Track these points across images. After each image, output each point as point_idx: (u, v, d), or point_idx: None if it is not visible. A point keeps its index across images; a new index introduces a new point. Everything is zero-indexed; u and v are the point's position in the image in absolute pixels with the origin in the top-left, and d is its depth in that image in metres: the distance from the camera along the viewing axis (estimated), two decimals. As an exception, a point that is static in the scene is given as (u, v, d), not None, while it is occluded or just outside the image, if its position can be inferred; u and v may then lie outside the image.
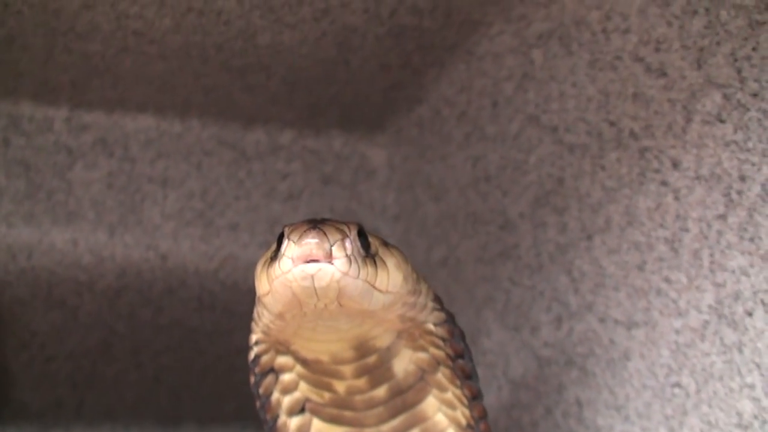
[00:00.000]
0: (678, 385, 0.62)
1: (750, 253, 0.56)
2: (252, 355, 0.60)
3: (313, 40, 0.83)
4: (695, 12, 0.60)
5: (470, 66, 0.87)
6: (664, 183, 0.63)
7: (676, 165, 0.62)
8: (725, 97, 0.58)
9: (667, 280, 0.63)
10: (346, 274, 0.50)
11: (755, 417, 0.55)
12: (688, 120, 0.61)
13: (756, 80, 0.56)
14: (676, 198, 0.62)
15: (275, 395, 0.61)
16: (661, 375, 0.63)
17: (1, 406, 1.12)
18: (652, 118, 0.64)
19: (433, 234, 0.96)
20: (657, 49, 0.63)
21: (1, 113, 0.94)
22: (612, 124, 0.68)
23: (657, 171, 0.64)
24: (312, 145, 1.05)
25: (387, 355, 0.57)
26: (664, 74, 0.63)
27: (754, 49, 0.56)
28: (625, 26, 0.66)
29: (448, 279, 0.92)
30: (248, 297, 0.60)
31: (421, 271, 0.59)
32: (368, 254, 0.53)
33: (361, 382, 0.57)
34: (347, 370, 0.57)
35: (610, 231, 0.69)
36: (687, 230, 0.61)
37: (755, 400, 0.55)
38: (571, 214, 0.73)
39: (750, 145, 0.56)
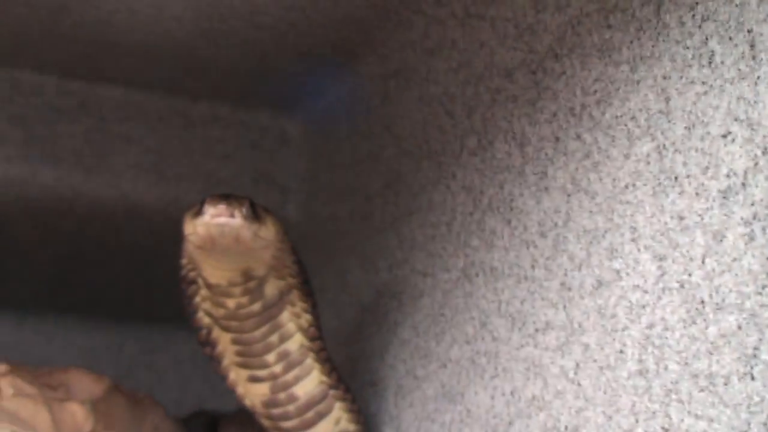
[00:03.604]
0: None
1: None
2: (183, 271, 0.82)
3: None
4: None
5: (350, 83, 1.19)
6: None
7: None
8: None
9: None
10: (241, 225, 0.73)
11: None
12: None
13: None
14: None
15: (197, 298, 0.82)
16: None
17: None
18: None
19: (328, 199, 1.28)
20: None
21: None
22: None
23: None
24: (244, 117, 1.30)
25: (262, 281, 0.79)
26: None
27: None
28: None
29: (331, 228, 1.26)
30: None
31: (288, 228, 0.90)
32: (255, 215, 0.75)
33: (245, 300, 0.79)
34: (236, 290, 0.78)
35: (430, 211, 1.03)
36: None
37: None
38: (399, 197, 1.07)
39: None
